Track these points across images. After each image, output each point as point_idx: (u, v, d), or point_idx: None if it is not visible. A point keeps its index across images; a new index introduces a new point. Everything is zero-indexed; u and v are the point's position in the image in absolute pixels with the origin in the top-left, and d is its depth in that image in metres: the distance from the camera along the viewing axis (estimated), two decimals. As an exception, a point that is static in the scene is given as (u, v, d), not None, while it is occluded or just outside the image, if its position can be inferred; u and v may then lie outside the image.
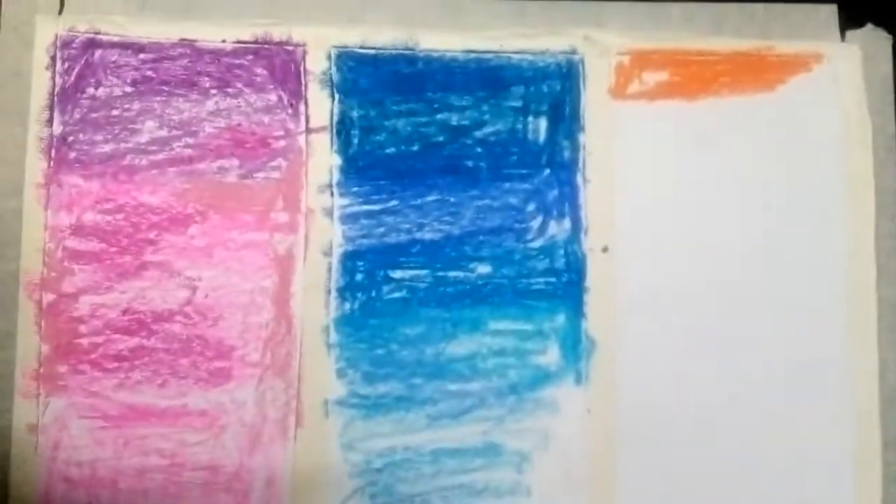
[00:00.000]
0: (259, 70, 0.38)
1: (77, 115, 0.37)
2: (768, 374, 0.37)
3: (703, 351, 0.37)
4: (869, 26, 0.39)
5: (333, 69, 0.38)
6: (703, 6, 0.39)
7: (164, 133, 0.37)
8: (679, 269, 0.38)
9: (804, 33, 0.39)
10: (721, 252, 0.38)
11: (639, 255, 0.38)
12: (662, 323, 0.37)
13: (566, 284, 0.37)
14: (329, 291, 0.37)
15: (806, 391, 0.37)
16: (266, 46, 0.38)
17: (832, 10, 0.39)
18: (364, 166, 0.37)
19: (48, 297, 0.36)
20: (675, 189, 0.38)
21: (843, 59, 0.39)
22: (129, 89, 0.37)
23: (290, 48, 0.38)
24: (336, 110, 0.38)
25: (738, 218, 0.38)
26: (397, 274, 0.37)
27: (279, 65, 0.38)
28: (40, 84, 0.37)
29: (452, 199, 0.38)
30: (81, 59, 0.37)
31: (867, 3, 0.39)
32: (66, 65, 0.37)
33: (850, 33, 0.39)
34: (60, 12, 0.37)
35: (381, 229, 0.37)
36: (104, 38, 0.37)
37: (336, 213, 0.37)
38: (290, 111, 0.38)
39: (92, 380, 0.36)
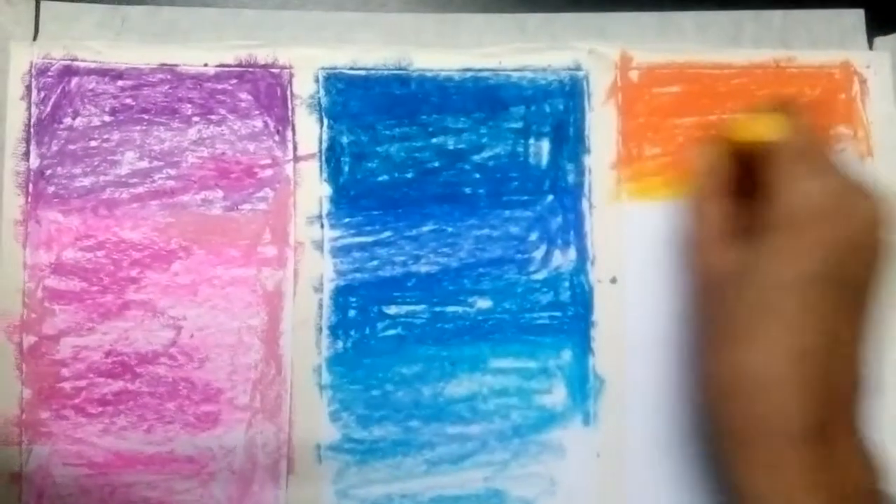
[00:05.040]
0: (243, 95, 0.36)
1: (55, 148, 0.35)
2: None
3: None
4: (899, 32, 0.36)
5: (322, 92, 0.36)
6: (716, 14, 0.36)
7: (145, 164, 0.35)
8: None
9: (828, 42, 0.36)
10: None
11: (650, 286, 0.35)
12: (676, 359, 0.35)
13: (572, 319, 0.35)
14: (320, 329, 0.35)
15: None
16: (250, 70, 0.36)
17: (858, 15, 0.36)
18: (356, 195, 0.35)
19: (29, 340, 0.35)
20: (689, 215, 0.35)
21: (872, 69, 0.36)
22: (107, 118, 0.35)
23: (275, 71, 0.36)
24: (325, 136, 0.36)
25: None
26: (392, 310, 0.35)
27: (264, 89, 0.36)
28: (16, 115, 0.35)
29: (450, 229, 0.35)
30: (58, 87, 0.35)
31: (897, 6, 0.36)
32: (42, 94, 0.35)
33: (878, 40, 0.36)
34: (35, 38, 0.36)
35: (375, 262, 0.35)
36: (81, 64, 0.35)
37: (327, 246, 0.35)
38: (276, 138, 0.36)
39: (76, 426, 0.34)
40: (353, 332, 0.35)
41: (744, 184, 0.31)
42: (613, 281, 0.35)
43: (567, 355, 0.35)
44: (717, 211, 0.31)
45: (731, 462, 0.27)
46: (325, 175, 0.35)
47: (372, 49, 0.36)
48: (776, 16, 0.36)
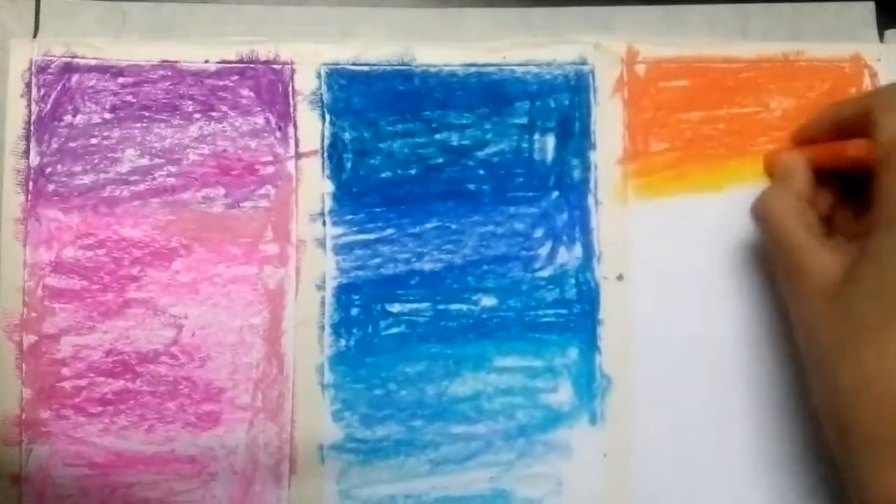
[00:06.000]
0: (245, 91, 0.35)
1: (55, 145, 0.35)
2: (797, 413, 0.34)
3: (728, 388, 0.34)
4: (911, 25, 0.36)
5: (324, 88, 0.35)
6: (724, 7, 0.36)
7: (145, 162, 0.35)
8: (701, 298, 0.34)
9: (838, 35, 0.36)
10: (747, 280, 0.35)
11: (657, 283, 0.35)
12: (684, 358, 0.34)
13: (578, 316, 0.35)
14: (323, 328, 0.34)
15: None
16: (252, 66, 0.35)
17: (869, 7, 0.36)
18: (358, 192, 0.35)
19: (29, 339, 0.34)
20: (697, 211, 0.35)
21: (883, 62, 0.35)
22: (108, 116, 0.35)
23: (277, 67, 0.35)
24: (327, 132, 0.35)
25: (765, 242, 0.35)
26: (395, 308, 0.35)
27: (266, 85, 0.35)
28: (15, 113, 0.35)
29: (454, 226, 0.35)
30: (58, 84, 0.35)
31: (908, -2, 0.36)
32: (42, 91, 0.35)
33: (889, 33, 0.36)
34: (35, 35, 0.35)
35: (378, 260, 0.35)
36: (81, 61, 0.35)
37: (329, 244, 0.35)
38: (278, 135, 0.35)
39: (76, 425, 0.34)
40: (355, 331, 0.34)
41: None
42: (620, 278, 0.35)
43: (573, 353, 0.34)
44: (805, 213, 0.30)
45: (860, 465, 0.27)
46: (327, 172, 0.35)
47: (375, 44, 0.35)
48: (785, 8, 0.36)
